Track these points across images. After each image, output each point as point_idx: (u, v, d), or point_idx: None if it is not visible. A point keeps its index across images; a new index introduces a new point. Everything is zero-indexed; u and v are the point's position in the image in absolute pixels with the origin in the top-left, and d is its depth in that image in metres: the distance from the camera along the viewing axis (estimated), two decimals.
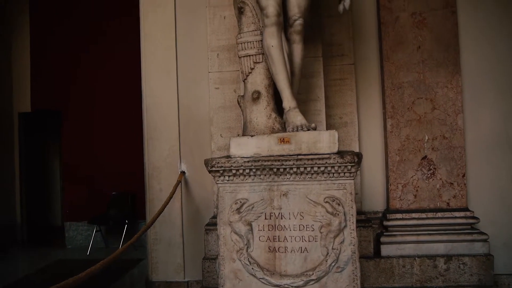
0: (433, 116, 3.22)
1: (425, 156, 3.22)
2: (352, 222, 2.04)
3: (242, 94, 2.46)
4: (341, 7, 2.43)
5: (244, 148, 2.09)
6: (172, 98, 3.47)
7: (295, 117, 2.14)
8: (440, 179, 3.20)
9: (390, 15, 3.29)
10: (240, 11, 2.42)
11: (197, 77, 3.46)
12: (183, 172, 3.43)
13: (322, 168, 2.02)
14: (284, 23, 2.31)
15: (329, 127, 3.04)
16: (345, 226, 2.03)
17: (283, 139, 2.05)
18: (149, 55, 3.54)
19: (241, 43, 2.36)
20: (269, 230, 2.09)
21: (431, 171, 3.21)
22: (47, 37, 6.05)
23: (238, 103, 2.43)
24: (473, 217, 3.13)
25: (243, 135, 2.31)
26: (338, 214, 2.02)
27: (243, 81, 2.39)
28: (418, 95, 3.24)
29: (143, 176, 3.59)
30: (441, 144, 3.21)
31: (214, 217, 3.18)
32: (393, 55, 3.27)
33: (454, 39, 3.26)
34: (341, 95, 3.24)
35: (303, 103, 2.74)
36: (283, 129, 2.23)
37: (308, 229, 2.06)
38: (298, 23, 2.32)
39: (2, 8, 5.95)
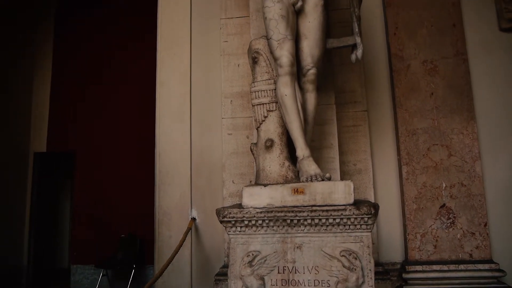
0: (450, 162, 3.15)
1: (444, 204, 3.11)
2: (371, 278, 1.94)
3: (255, 141, 2.45)
4: (353, 57, 2.46)
5: (257, 198, 2.04)
6: (185, 143, 3.50)
7: (309, 166, 2.11)
8: (461, 228, 3.06)
9: (402, 63, 3.33)
10: (254, 61, 2.47)
11: (210, 123, 3.51)
12: (193, 219, 3.36)
13: (337, 220, 1.95)
14: (297, 72, 2.34)
15: (343, 174, 2.99)
16: (363, 282, 1.92)
17: (297, 189, 2.00)
18: (163, 101, 3.61)
19: (255, 92, 2.38)
20: (282, 285, 1.98)
21: (451, 220, 3.08)
22: (67, 80, 6.28)
23: (251, 151, 2.41)
24: (499, 270, 2.95)
25: (256, 183, 2.27)
26: (355, 269, 1.92)
27: (256, 129, 2.39)
28: (433, 142, 3.19)
29: (152, 219, 3.53)
30: (459, 191, 3.11)
31: (225, 266, 3.06)
32: (406, 102, 3.27)
33: (467, 86, 3.26)
34: (355, 142, 3.22)
35: (317, 150, 2.72)
36: (297, 177, 2.19)
37: (323, 284, 1.95)
38: (311, 73, 2.35)
39: (26, 50, 6.22)
